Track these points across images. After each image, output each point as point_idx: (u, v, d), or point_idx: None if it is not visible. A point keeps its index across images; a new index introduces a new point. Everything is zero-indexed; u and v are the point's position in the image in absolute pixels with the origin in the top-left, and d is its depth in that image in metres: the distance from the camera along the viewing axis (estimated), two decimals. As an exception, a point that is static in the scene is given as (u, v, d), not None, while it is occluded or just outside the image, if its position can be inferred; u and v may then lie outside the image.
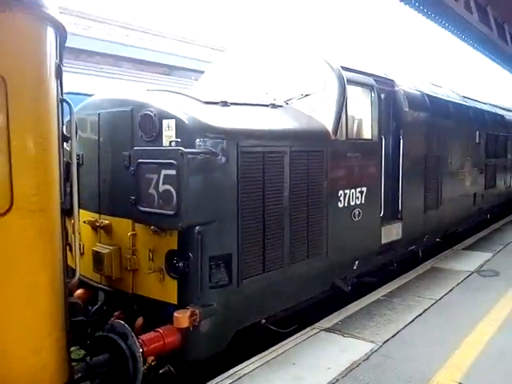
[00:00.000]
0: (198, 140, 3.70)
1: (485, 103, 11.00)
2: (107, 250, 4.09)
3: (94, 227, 4.32)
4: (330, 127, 4.98)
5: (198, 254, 3.65)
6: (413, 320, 4.92)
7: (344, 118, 5.14)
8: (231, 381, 3.64)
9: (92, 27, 13.18)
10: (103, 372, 3.40)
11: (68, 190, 3.23)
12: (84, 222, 4.32)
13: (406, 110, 6.49)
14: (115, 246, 4.11)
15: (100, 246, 4.21)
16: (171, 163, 3.50)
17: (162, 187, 3.60)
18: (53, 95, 2.88)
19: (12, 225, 2.61)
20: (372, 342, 4.35)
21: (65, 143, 3.25)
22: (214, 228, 3.73)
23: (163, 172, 3.58)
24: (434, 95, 7.77)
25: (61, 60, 3.05)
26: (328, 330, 4.62)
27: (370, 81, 5.77)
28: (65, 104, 3.14)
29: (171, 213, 3.52)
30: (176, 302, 3.75)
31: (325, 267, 4.92)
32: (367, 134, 5.75)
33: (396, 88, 6.42)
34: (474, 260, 7.45)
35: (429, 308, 5.29)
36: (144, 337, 3.51)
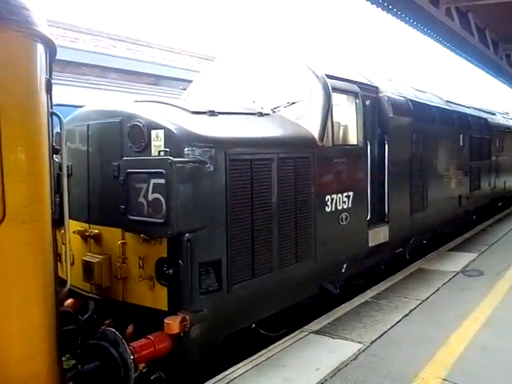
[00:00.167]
0: (186, 149, 3.78)
1: (468, 107, 11.19)
2: (97, 259, 4.11)
3: (84, 237, 4.35)
4: (316, 134, 5.10)
5: (187, 260, 3.71)
6: (399, 320, 5.03)
7: (330, 125, 5.26)
8: (222, 384, 3.70)
9: (79, 39, 13.19)
10: (95, 379, 3.43)
11: (58, 200, 3.28)
12: (74, 232, 4.33)
13: (391, 115, 6.64)
14: (105, 254, 4.14)
15: (90, 256, 4.23)
16: (160, 172, 3.56)
17: (151, 196, 3.65)
18: (43, 109, 2.96)
19: (4, 235, 2.66)
20: (360, 342, 4.45)
21: (54, 155, 3.32)
22: (203, 235, 3.79)
23: (152, 181, 3.63)
24: (418, 100, 7.94)
25: (50, 74, 3.13)
26: (317, 332, 4.70)
27: (355, 88, 5.91)
28: (55, 117, 3.22)
29: (161, 221, 3.57)
30: (166, 309, 3.80)
31: (313, 271, 5.01)
32: (353, 139, 5.88)
33: (380, 94, 6.57)
34: (459, 261, 7.59)
35: (415, 308, 5.40)
36: (135, 344, 3.55)
